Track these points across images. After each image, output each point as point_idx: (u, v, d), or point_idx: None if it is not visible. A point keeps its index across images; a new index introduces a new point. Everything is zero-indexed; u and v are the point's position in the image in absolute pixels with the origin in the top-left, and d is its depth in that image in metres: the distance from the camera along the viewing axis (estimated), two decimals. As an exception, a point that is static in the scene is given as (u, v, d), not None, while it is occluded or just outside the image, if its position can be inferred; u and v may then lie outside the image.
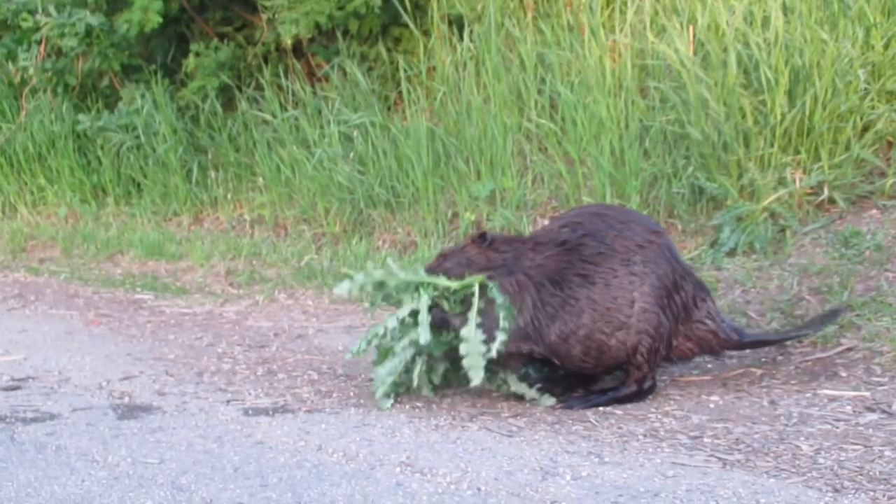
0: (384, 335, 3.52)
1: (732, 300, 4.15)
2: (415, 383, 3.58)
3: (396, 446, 3.12)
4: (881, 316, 3.69)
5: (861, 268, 4.03)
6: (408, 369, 3.58)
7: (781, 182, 4.55)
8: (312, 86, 6.79)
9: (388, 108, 6.53)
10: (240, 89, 6.98)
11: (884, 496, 2.54)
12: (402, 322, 3.48)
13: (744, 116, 4.69)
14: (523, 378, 3.59)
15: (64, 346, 4.71)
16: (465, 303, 3.47)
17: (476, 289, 3.43)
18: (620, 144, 5.10)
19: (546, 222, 4.77)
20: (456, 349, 3.42)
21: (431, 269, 3.58)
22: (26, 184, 8.01)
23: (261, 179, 6.67)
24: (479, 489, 2.74)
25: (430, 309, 3.45)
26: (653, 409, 3.36)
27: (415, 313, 3.45)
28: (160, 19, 6.77)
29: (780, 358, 3.72)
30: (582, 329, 3.37)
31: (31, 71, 7.59)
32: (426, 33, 6.31)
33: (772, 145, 4.62)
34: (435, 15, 6.25)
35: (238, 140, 6.98)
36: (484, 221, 5.38)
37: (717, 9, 5.06)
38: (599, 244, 3.40)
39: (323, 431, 3.30)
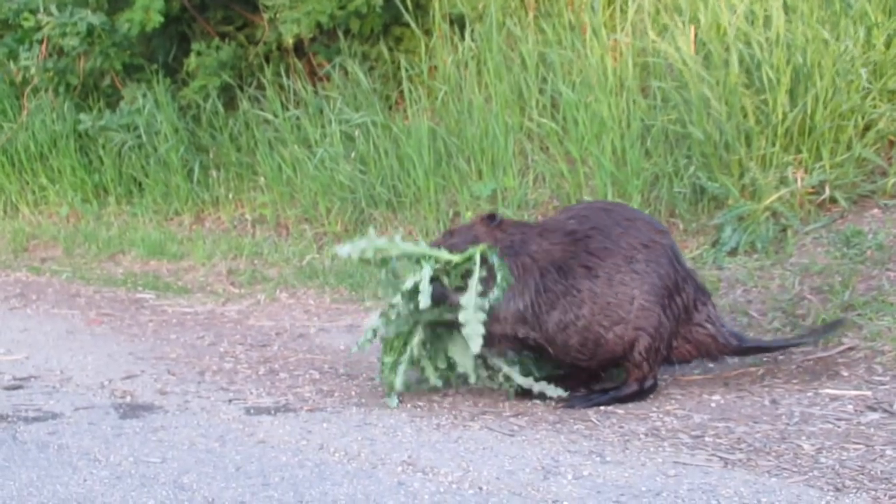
0: (389, 311, 3.49)
1: (734, 300, 4.15)
2: (414, 353, 3.55)
3: (398, 445, 3.12)
4: (883, 315, 3.69)
5: (863, 267, 4.03)
6: (406, 343, 3.56)
7: (783, 181, 4.55)
8: (314, 85, 6.79)
9: (390, 108, 6.53)
10: (241, 89, 6.99)
11: (885, 495, 2.54)
12: (405, 294, 3.45)
13: (745, 116, 4.69)
14: (527, 373, 3.58)
15: (66, 346, 4.71)
16: (466, 278, 3.44)
17: (477, 258, 3.42)
18: (622, 144, 5.10)
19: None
20: (450, 324, 3.41)
21: (436, 245, 3.56)
22: (28, 183, 8.01)
23: (262, 179, 6.67)
24: (480, 488, 2.74)
25: (432, 280, 3.42)
26: (654, 409, 3.36)
27: (417, 285, 3.42)
28: (161, 18, 6.78)
29: (781, 357, 3.72)
30: (581, 320, 3.38)
31: (33, 70, 7.59)
32: (427, 33, 6.31)
33: (773, 145, 4.62)
34: (436, 14, 6.25)
35: (239, 139, 6.99)
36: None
37: (718, 8, 5.05)
38: (605, 239, 3.41)
39: (325, 430, 3.31)
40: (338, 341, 4.57)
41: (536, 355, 3.59)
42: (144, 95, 7.21)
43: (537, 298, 3.40)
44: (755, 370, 3.65)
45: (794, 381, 3.50)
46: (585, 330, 3.38)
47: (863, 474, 2.68)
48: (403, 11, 6.27)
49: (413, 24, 6.29)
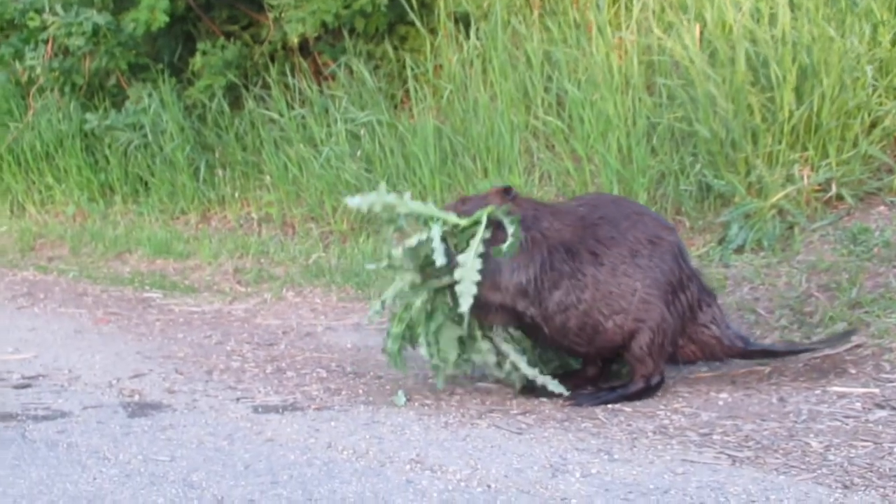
0: (392, 260, 3.46)
1: (741, 297, 4.15)
2: (413, 318, 3.52)
3: (406, 444, 3.13)
4: (890, 313, 3.69)
5: (870, 264, 4.03)
6: (408, 307, 3.52)
7: (789, 179, 4.55)
8: (319, 84, 6.80)
9: (395, 107, 6.54)
10: (247, 88, 7.00)
11: (894, 492, 2.54)
12: (409, 250, 3.43)
13: (751, 113, 4.69)
14: (534, 364, 3.56)
15: (73, 345, 4.72)
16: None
17: (484, 219, 3.41)
18: (628, 142, 5.10)
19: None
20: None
21: (449, 209, 3.55)
22: (34, 183, 8.03)
23: (268, 178, 6.68)
24: (489, 486, 2.74)
25: (443, 239, 3.39)
26: (662, 406, 3.36)
27: (422, 244, 3.40)
28: (167, 18, 6.79)
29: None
30: (582, 304, 3.38)
31: (39, 70, 7.60)
32: (432, 31, 6.32)
33: (780, 142, 4.62)
34: (441, 13, 6.25)
35: (245, 139, 7.00)
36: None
37: (724, 5, 5.05)
38: (613, 229, 3.41)
39: (333, 429, 3.31)
40: (345, 340, 4.58)
41: (530, 336, 3.55)
42: (150, 95, 7.22)
43: (542, 275, 3.39)
44: (762, 368, 3.65)
45: (802, 378, 3.50)
46: (585, 315, 3.38)
47: (871, 471, 2.68)
48: (408, 10, 6.28)
49: (418, 23, 6.30)
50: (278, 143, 6.69)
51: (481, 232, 3.39)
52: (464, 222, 3.46)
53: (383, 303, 3.56)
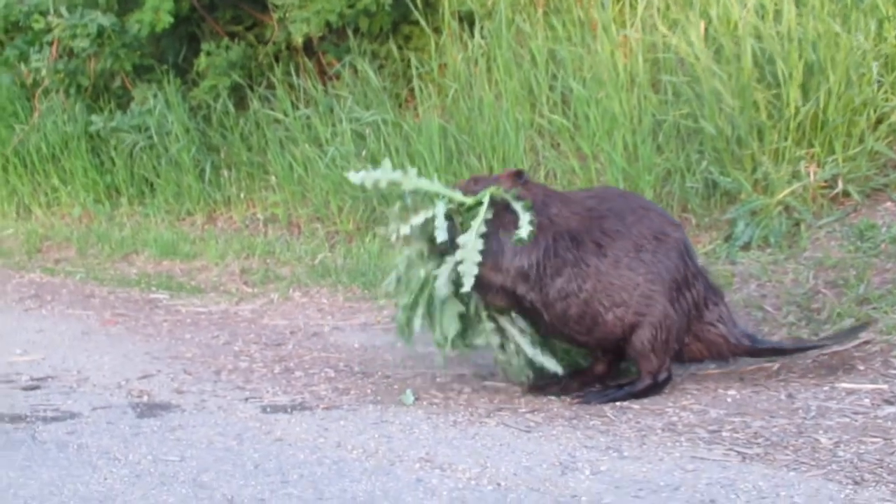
0: (399, 236, 3.46)
1: (748, 294, 4.14)
2: (415, 284, 3.49)
3: (415, 442, 3.14)
4: (898, 308, 3.69)
5: (877, 261, 4.03)
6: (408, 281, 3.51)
7: (796, 175, 4.54)
8: (324, 84, 6.81)
9: (400, 106, 6.54)
10: (251, 88, 7.00)
11: (904, 488, 2.54)
12: (417, 227, 3.43)
13: (757, 110, 4.69)
14: (535, 345, 3.53)
15: (82, 346, 4.73)
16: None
17: (486, 200, 3.41)
18: (633, 139, 5.10)
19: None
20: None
21: (458, 187, 3.54)
22: (40, 184, 8.05)
23: (273, 178, 6.69)
24: (498, 484, 2.75)
25: (446, 218, 3.39)
26: (670, 404, 3.37)
27: (428, 221, 3.40)
28: (171, 19, 6.80)
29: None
30: (583, 293, 3.38)
31: (44, 72, 7.62)
32: (437, 30, 6.32)
33: (786, 139, 4.62)
34: (445, 12, 6.25)
35: (250, 139, 7.00)
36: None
37: (729, 2, 5.05)
38: (619, 222, 3.42)
39: (341, 428, 3.32)
40: (352, 339, 4.59)
41: (528, 321, 3.53)
42: (155, 96, 7.24)
43: (545, 261, 3.39)
44: (770, 365, 3.65)
45: (810, 375, 3.50)
46: (585, 304, 3.38)
47: (881, 467, 2.68)
48: (412, 9, 6.28)
49: (422, 22, 6.30)
50: (283, 143, 6.70)
51: (483, 212, 3.39)
52: (469, 201, 3.45)
53: (399, 278, 3.54)
